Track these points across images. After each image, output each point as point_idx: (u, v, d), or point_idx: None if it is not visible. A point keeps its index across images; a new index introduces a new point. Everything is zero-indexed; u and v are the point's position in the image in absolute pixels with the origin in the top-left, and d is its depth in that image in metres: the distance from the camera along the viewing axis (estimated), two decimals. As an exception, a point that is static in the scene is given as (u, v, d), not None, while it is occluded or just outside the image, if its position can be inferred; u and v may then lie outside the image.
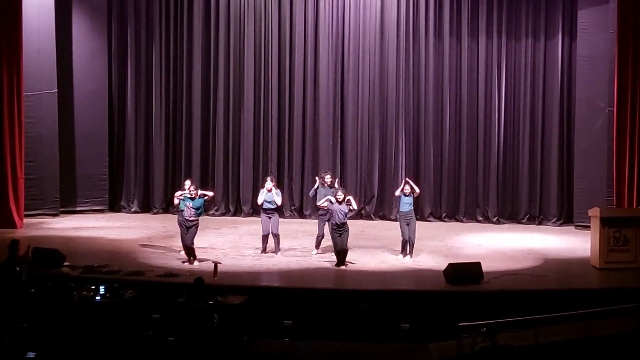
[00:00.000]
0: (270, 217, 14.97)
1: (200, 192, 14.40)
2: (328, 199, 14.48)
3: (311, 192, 15.64)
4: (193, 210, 14.12)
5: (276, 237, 15.05)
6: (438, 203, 19.51)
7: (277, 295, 12.60)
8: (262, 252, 15.01)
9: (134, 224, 18.46)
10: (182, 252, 14.45)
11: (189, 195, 14.23)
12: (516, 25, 19.19)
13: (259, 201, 15.16)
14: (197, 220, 14.23)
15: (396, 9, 19.36)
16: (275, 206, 15.01)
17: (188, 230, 14.13)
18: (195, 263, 14.04)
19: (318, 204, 14.95)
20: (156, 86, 20.18)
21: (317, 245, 15.20)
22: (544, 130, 19.17)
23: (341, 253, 14.05)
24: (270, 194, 14.98)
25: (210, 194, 14.91)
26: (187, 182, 14.79)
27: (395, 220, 15.37)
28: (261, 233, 15.10)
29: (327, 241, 14.86)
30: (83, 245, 15.59)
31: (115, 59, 20.25)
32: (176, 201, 14.62)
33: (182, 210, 14.32)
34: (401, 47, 19.38)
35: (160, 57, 20.16)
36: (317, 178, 15.54)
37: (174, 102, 20.23)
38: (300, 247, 15.50)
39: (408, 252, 14.78)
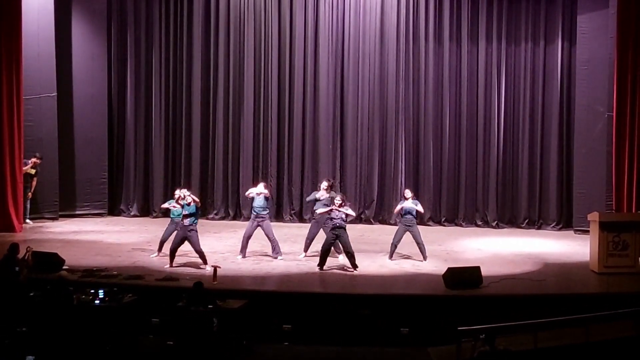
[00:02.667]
0: (260, 223, 14.96)
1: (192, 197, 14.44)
2: (324, 205, 14.57)
3: (309, 198, 15.77)
4: (188, 218, 14.11)
5: (272, 242, 15.05)
6: (437, 207, 19.52)
7: (276, 300, 12.59)
8: (241, 257, 14.97)
9: (133, 228, 18.46)
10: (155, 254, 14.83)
11: (185, 202, 14.26)
12: (516, 29, 19.23)
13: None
14: (194, 225, 14.23)
15: (396, 14, 19.38)
16: (265, 212, 15.02)
17: (188, 237, 14.12)
18: (208, 267, 13.97)
19: (317, 211, 14.95)
20: (156, 90, 20.19)
21: (306, 249, 15.22)
22: (544, 135, 19.20)
23: (351, 256, 14.06)
24: (260, 198, 14.99)
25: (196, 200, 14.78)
26: (177, 192, 14.88)
27: (394, 224, 15.38)
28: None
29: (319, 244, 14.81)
30: (82, 249, 15.57)
31: (115, 62, 20.27)
32: (165, 206, 14.93)
33: (175, 217, 14.56)
34: (401, 52, 19.40)
35: (159, 61, 20.17)
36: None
37: (173, 106, 20.24)
38: (299, 251, 15.47)
39: (423, 258, 14.89)
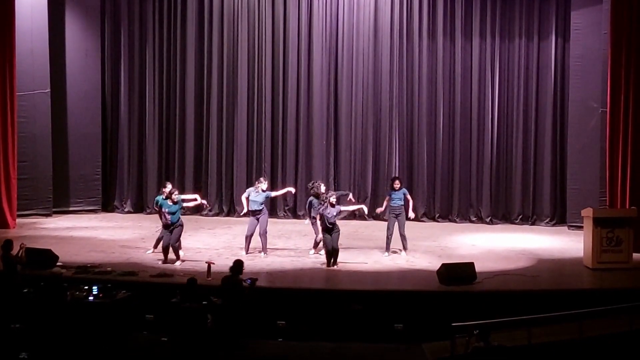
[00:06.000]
0: (258, 218, 14.90)
1: (181, 197, 14.35)
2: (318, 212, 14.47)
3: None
4: (169, 215, 14.02)
5: (264, 237, 14.94)
6: (431, 203, 19.54)
7: (271, 296, 12.58)
8: (245, 252, 14.88)
9: (127, 224, 18.44)
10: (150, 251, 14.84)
11: (167, 201, 14.20)
12: (509, 26, 19.23)
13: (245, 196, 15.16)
14: (178, 221, 14.15)
15: (390, 10, 19.38)
16: (261, 207, 14.98)
17: (171, 231, 14.07)
18: (177, 263, 13.97)
19: (314, 214, 14.88)
20: (149, 86, 20.17)
21: (315, 246, 15.10)
22: (537, 131, 19.21)
23: (332, 253, 14.03)
24: (258, 195, 14.96)
25: (192, 197, 14.77)
26: (169, 185, 14.89)
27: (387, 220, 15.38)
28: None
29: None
30: (76, 246, 15.55)
31: (109, 59, 20.24)
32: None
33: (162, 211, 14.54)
34: (395, 48, 19.40)
35: (153, 57, 20.15)
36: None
37: (167, 103, 20.22)
38: (294, 247, 15.48)
39: (403, 248, 14.90)
